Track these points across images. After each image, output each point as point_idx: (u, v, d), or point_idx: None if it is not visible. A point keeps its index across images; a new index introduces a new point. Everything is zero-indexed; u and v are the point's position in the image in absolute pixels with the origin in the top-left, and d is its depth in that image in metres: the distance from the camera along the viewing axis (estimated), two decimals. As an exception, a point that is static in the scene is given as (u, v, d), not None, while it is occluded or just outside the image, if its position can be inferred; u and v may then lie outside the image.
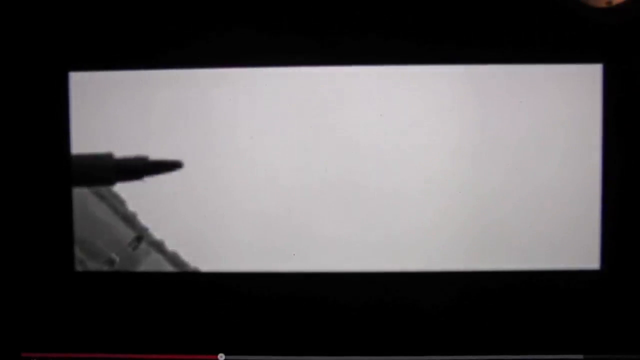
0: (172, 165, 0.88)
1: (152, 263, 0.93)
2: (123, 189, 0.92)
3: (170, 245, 0.92)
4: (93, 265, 0.93)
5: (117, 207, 0.92)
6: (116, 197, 0.92)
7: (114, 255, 0.93)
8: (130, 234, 0.93)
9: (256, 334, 0.92)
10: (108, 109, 0.91)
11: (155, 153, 0.91)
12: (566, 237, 0.89)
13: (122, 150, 0.91)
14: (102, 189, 0.92)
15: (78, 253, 0.93)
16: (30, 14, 0.91)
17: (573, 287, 0.89)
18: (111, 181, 0.92)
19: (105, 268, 0.93)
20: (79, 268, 0.93)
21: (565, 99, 0.88)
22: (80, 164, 0.92)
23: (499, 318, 0.90)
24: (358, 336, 0.91)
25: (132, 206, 0.92)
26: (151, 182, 0.91)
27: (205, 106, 0.91)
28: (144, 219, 0.92)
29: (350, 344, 0.91)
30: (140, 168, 0.90)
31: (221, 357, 0.91)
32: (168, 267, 0.93)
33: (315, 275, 0.91)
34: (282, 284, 0.91)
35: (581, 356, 0.88)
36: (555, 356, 0.89)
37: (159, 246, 0.93)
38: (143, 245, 0.93)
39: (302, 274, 0.91)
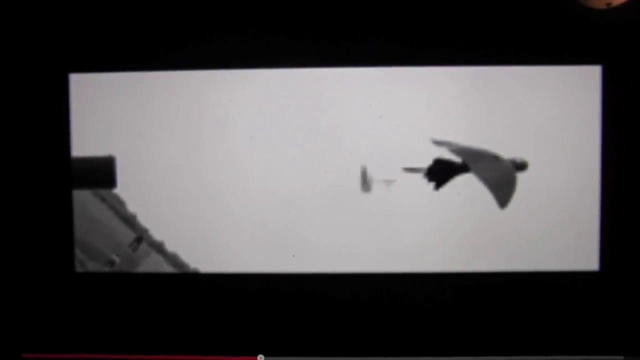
0: (464, 168, 0.88)
1: (152, 264, 0.93)
2: (123, 191, 0.92)
3: (170, 247, 0.93)
4: (93, 267, 0.94)
5: (117, 209, 0.93)
6: (116, 198, 0.92)
7: (114, 257, 0.93)
8: (130, 235, 0.93)
9: (257, 335, 0.92)
10: (108, 110, 0.91)
11: (156, 154, 0.91)
12: (565, 239, 0.89)
13: (122, 151, 0.92)
14: (102, 191, 0.93)
15: (78, 254, 0.93)
16: (30, 16, 0.91)
17: (572, 288, 0.90)
18: (112, 184, 0.92)
19: (106, 269, 0.94)
20: (79, 269, 0.94)
21: (564, 100, 0.88)
22: (80, 167, 0.92)
23: (498, 318, 0.91)
24: (362, 336, 0.92)
25: (132, 207, 0.93)
26: (151, 184, 0.92)
27: (205, 108, 0.91)
28: (143, 220, 0.93)
29: (354, 344, 0.92)
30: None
31: (261, 358, 0.90)
32: (168, 268, 0.93)
33: (313, 276, 0.91)
34: (282, 284, 0.92)
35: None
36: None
37: (158, 247, 0.93)
38: (143, 246, 0.93)
39: (302, 275, 0.91)
